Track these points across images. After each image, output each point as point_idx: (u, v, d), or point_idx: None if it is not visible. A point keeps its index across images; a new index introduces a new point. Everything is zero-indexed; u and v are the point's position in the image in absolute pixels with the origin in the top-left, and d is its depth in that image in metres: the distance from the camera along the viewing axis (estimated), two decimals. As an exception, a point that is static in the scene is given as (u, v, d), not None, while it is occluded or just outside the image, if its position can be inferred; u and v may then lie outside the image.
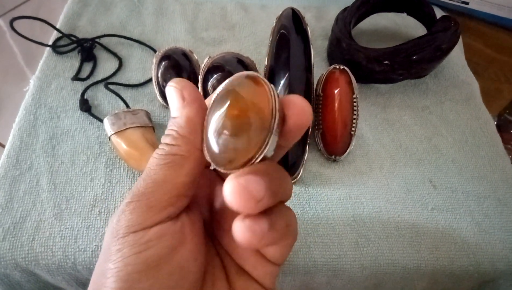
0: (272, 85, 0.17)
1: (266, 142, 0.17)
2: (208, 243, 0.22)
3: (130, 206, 0.18)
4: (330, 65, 0.42)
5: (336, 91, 0.39)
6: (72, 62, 0.47)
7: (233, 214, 0.21)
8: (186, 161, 0.19)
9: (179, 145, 0.19)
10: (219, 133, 0.17)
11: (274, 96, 0.17)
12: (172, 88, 0.20)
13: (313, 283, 0.36)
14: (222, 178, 0.23)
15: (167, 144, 0.19)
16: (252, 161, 0.17)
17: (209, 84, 0.39)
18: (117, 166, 0.38)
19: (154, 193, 0.19)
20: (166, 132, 0.20)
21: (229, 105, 0.18)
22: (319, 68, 0.49)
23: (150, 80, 0.45)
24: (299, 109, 0.17)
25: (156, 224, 0.18)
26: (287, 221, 0.19)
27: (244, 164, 0.17)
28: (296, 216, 0.36)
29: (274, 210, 0.18)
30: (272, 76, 0.38)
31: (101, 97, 0.44)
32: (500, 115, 0.54)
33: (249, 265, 0.21)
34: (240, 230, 0.17)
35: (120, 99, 0.42)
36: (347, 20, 0.49)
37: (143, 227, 0.18)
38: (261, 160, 0.17)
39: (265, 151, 0.17)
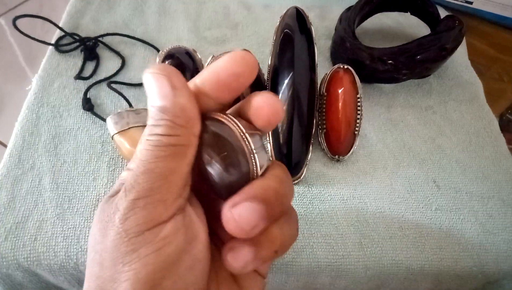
0: (232, 118, 0.19)
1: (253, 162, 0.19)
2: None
3: (139, 203, 0.17)
4: (334, 64, 0.42)
5: (340, 91, 0.39)
6: (75, 61, 0.47)
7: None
8: (188, 150, 0.18)
9: (179, 135, 0.18)
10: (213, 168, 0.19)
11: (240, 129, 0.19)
12: (157, 75, 0.18)
13: (316, 284, 0.35)
14: None
15: (162, 134, 0.18)
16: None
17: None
18: (120, 165, 0.38)
19: (162, 187, 0.18)
20: (154, 122, 0.18)
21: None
22: (322, 67, 0.49)
23: (152, 79, 0.45)
24: (265, 113, 0.19)
25: (171, 218, 0.18)
26: (276, 246, 0.19)
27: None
28: (299, 216, 0.36)
29: (263, 238, 0.19)
30: (275, 75, 0.38)
31: (104, 96, 0.43)
32: (502, 115, 0.54)
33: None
34: (227, 255, 0.19)
35: (123, 98, 0.42)
36: (351, 19, 0.48)
37: (158, 222, 0.17)
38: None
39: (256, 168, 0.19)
